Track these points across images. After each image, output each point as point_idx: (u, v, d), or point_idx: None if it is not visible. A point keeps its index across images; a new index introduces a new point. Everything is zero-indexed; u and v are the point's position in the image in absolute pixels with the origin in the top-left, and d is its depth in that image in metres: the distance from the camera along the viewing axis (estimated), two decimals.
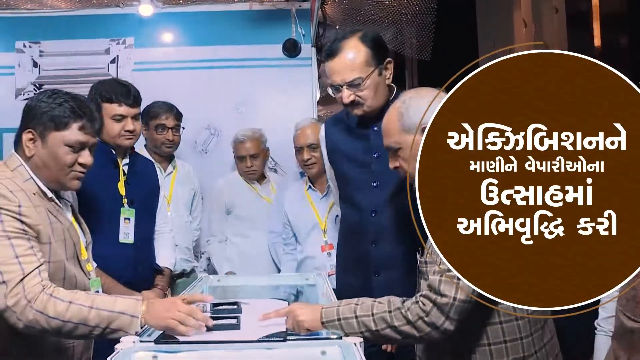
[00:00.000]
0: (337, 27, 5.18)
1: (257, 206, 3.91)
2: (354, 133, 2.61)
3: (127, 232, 2.84)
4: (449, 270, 1.69)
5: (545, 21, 4.60)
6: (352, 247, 2.63)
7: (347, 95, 2.43)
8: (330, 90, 2.54)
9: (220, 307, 2.20)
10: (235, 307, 2.22)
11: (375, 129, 2.46)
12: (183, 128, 3.84)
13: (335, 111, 3.21)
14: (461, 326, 1.74)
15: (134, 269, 2.84)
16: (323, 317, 1.81)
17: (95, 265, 2.50)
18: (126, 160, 2.92)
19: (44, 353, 1.97)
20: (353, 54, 2.42)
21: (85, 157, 2.07)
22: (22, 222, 1.87)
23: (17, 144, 2.06)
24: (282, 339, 1.75)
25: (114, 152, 2.85)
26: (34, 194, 1.97)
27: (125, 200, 2.85)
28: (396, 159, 1.99)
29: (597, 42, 4.04)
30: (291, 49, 4.74)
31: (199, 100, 4.64)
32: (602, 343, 2.21)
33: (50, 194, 2.04)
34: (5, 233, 1.82)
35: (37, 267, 1.83)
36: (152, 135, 3.74)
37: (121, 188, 2.85)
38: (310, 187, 3.61)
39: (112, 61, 4.79)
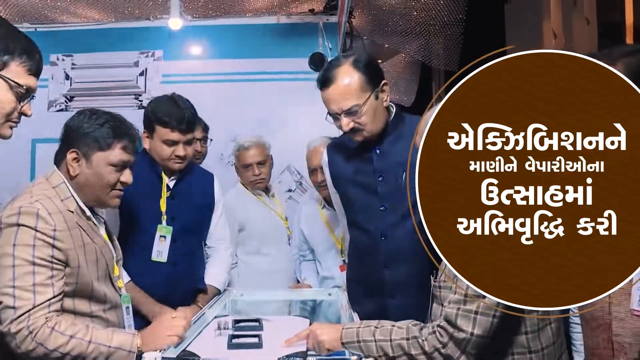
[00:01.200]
0: (365, 38, 5.22)
1: (269, 221, 3.68)
2: (357, 156, 2.55)
3: (160, 250, 2.76)
4: (465, 302, 1.70)
5: (576, 33, 4.53)
6: (365, 271, 2.56)
7: (345, 123, 2.39)
8: (328, 118, 2.48)
9: (242, 324, 2.22)
10: (257, 324, 2.24)
11: (378, 151, 2.46)
12: (211, 140, 3.77)
13: None
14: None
15: (169, 287, 2.77)
16: (343, 338, 1.82)
17: (128, 279, 2.54)
18: (175, 176, 2.85)
19: None
20: (347, 81, 2.36)
21: (127, 175, 2.14)
22: (53, 247, 1.91)
23: (59, 162, 2.11)
24: (302, 358, 1.77)
25: (161, 169, 2.81)
26: (72, 211, 2.02)
27: (164, 217, 2.78)
28: None
29: None
30: (318, 62, 4.74)
31: (225, 112, 4.70)
32: None
33: (88, 213, 2.09)
34: (32, 258, 1.86)
35: (49, 300, 1.86)
36: None
37: (162, 204, 2.79)
38: (324, 206, 3.46)
39: (141, 74, 4.89)
